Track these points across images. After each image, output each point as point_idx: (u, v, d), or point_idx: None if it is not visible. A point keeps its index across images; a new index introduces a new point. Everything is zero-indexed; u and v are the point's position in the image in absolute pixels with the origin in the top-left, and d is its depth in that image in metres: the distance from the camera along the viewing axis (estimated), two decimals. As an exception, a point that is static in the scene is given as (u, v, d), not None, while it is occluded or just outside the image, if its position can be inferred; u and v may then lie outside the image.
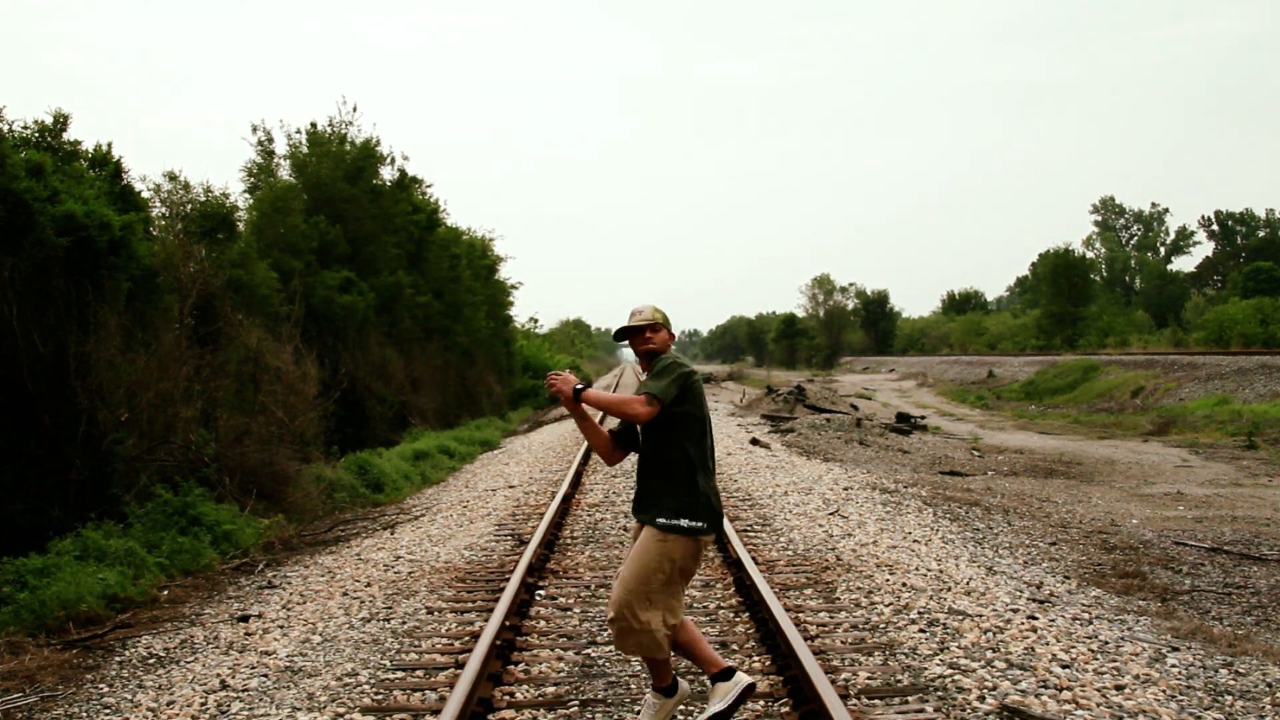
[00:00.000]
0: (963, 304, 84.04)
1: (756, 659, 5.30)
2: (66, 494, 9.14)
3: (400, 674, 5.24)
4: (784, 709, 4.60)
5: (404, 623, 6.27)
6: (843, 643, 5.48)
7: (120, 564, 7.89)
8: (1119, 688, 4.67)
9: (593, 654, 5.45)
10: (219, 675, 5.45)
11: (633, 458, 4.36)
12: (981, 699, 4.54)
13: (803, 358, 73.31)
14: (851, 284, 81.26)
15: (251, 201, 19.82)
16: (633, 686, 4.92)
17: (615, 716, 4.56)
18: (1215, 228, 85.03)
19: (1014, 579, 6.96)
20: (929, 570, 7.09)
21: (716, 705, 4.14)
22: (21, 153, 9.79)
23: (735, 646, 5.54)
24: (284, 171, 22.69)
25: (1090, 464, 15.07)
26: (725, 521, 5.53)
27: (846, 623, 5.87)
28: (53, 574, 7.40)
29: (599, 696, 4.79)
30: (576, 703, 4.71)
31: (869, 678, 4.89)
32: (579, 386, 4.07)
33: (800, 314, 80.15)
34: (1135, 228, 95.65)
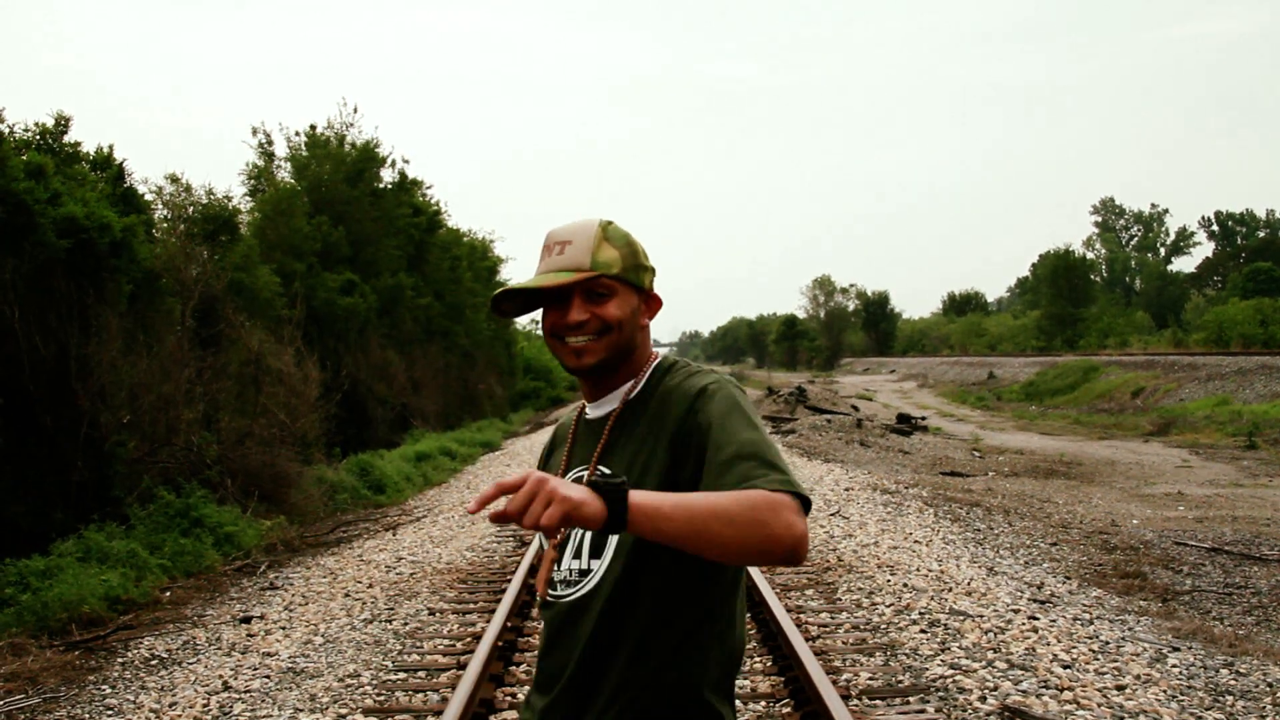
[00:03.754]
0: (963, 305, 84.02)
1: (758, 659, 5.31)
2: (68, 496, 9.14)
3: (402, 675, 5.25)
4: (785, 709, 4.61)
5: (406, 624, 6.28)
6: (844, 643, 5.49)
7: (122, 565, 7.90)
8: (1120, 688, 4.68)
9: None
10: (221, 676, 5.46)
11: None
12: (983, 699, 4.55)
13: (803, 359, 73.34)
14: (852, 285, 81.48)
15: (253, 204, 19.84)
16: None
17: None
18: (1215, 228, 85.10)
19: (1015, 579, 6.97)
20: (930, 571, 7.10)
21: None
22: (23, 155, 9.80)
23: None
24: (284, 174, 22.71)
25: (1091, 464, 15.08)
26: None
27: (848, 623, 5.89)
28: (55, 576, 7.41)
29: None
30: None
31: (870, 678, 4.90)
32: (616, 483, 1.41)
33: (801, 315, 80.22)
34: (1135, 228, 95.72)
